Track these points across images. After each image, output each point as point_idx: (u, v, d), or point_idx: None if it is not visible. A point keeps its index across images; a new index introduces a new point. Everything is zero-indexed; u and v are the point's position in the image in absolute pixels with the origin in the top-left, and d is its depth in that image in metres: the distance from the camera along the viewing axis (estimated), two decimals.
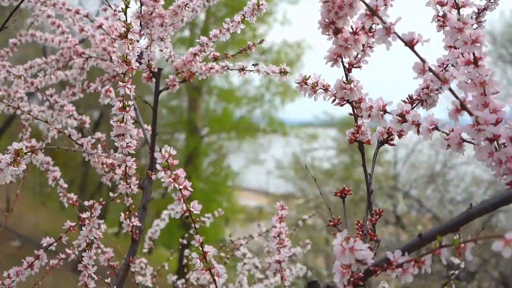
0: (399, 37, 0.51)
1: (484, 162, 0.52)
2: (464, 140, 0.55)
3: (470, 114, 0.52)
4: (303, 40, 11.12)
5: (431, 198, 6.28)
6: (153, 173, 0.98)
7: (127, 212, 0.96)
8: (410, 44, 0.51)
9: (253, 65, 0.98)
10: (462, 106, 0.52)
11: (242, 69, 0.95)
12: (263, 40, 1.01)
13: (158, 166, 0.62)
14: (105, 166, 1.02)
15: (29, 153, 0.67)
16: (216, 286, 0.65)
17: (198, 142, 11.19)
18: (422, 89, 0.69)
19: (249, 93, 12.45)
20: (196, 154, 11.08)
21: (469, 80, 0.56)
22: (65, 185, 1.11)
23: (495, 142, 0.52)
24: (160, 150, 0.62)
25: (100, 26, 1.07)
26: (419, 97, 0.69)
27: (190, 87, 11.21)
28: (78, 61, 1.22)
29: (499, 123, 0.54)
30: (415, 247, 0.53)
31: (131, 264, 1.00)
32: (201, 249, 0.65)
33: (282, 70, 0.88)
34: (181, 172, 0.64)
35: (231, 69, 0.97)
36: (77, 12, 1.10)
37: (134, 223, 0.97)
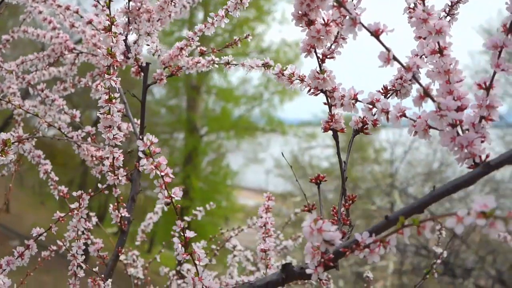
0: (364, 27, 0.53)
1: (448, 147, 0.55)
2: (430, 127, 0.57)
3: (433, 100, 0.54)
4: (301, 39, 11.13)
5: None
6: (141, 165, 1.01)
7: (116, 203, 0.98)
8: (375, 33, 0.53)
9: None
10: (425, 93, 0.54)
11: (227, 63, 0.97)
12: (249, 35, 1.04)
13: (140, 154, 0.64)
14: (94, 159, 1.04)
15: (16, 143, 0.70)
16: (197, 270, 0.67)
17: (197, 142, 11.22)
18: (396, 79, 0.72)
19: (248, 92, 12.48)
20: (195, 154, 11.11)
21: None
22: (56, 178, 1.13)
23: (458, 128, 0.55)
24: (142, 139, 0.64)
25: (90, 22, 1.10)
26: (393, 87, 0.72)
27: (188, 87, 11.24)
28: (69, 57, 1.24)
29: (463, 110, 0.56)
30: (382, 229, 0.55)
31: (120, 254, 1.02)
32: (182, 234, 0.68)
33: (265, 64, 0.90)
34: (162, 160, 0.66)
35: (217, 63, 0.99)
36: (67, 8, 1.13)
37: (123, 214, 0.99)
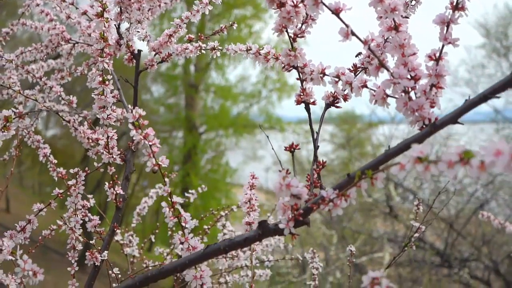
0: (326, 6, 0.60)
1: (401, 112, 0.62)
2: (387, 95, 0.64)
3: (388, 70, 0.61)
4: (302, 38, 11.18)
5: (424, 188, 6.38)
6: (134, 145, 1.08)
7: (111, 181, 1.05)
8: (336, 12, 0.60)
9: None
10: (381, 64, 0.61)
11: (213, 48, 1.04)
12: (234, 23, 1.10)
13: (129, 125, 0.71)
14: (90, 141, 1.11)
15: (17, 118, 0.76)
16: (184, 232, 0.74)
17: (196, 140, 11.28)
18: (365, 58, 0.78)
19: (246, 90, 12.54)
20: (194, 152, 11.18)
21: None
22: (55, 161, 1.20)
23: (412, 94, 0.62)
24: (132, 111, 0.71)
25: (84, 13, 1.16)
26: (362, 65, 0.78)
27: (187, 85, 11.31)
28: (66, 47, 1.31)
29: (417, 79, 0.63)
30: (345, 185, 0.62)
31: (115, 229, 1.09)
32: (170, 199, 0.74)
33: (248, 48, 0.97)
34: (150, 131, 0.73)
35: (204, 49, 1.06)
36: (63, 0, 1.19)
37: (118, 192, 1.06)
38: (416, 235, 1.17)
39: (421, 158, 0.47)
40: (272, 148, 0.97)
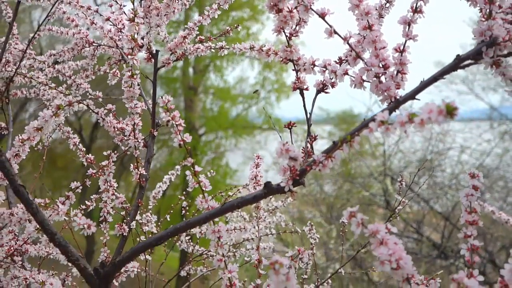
0: (314, 11, 0.78)
1: (374, 92, 0.79)
2: (363, 80, 0.82)
3: (362, 60, 0.79)
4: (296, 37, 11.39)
5: (420, 183, 6.56)
6: (155, 131, 1.25)
7: (136, 163, 1.23)
8: (322, 15, 0.78)
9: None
10: (357, 56, 0.79)
11: (221, 48, 1.22)
12: (238, 25, 1.28)
13: (160, 109, 0.89)
14: (116, 129, 1.29)
15: (67, 106, 0.94)
16: (204, 195, 0.91)
17: (196, 141, 11.44)
18: (347, 51, 0.96)
19: (245, 91, 12.72)
20: (194, 153, 11.33)
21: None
22: (84, 149, 1.37)
23: (381, 79, 0.79)
24: (162, 97, 0.88)
25: (107, 19, 1.34)
26: (346, 58, 0.96)
27: (186, 88, 11.48)
28: (89, 49, 1.48)
29: (387, 67, 0.81)
30: (331, 150, 0.79)
31: (140, 205, 1.26)
32: (193, 169, 0.92)
33: (252, 46, 1.14)
34: (177, 113, 0.90)
35: (213, 48, 1.24)
36: (88, 8, 1.37)
37: (141, 172, 1.23)
38: (400, 207, 1.34)
39: (383, 121, 0.65)
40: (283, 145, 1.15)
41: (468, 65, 0.72)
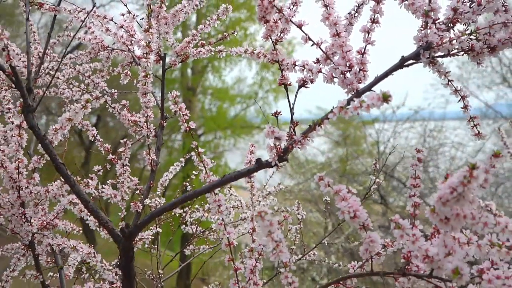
0: (292, 22, 0.99)
1: (341, 86, 1.01)
2: (333, 76, 1.03)
3: (331, 60, 1.00)
4: (293, 37, 11.64)
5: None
6: (164, 122, 1.46)
7: (148, 150, 1.44)
8: (299, 26, 0.99)
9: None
10: (327, 57, 1.00)
11: (220, 51, 1.43)
12: (234, 31, 1.50)
13: (169, 102, 1.10)
14: (130, 121, 1.50)
15: (95, 100, 1.15)
16: (206, 172, 1.12)
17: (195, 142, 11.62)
18: (321, 54, 1.17)
19: (243, 91, 12.93)
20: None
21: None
22: (101, 140, 1.58)
23: (346, 75, 1.00)
24: (170, 93, 1.10)
25: (121, 26, 1.55)
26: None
27: (184, 88, 11.69)
28: (104, 53, 1.69)
29: (351, 66, 1.02)
30: (307, 131, 1.00)
31: (151, 186, 1.47)
32: (197, 150, 1.13)
33: (245, 50, 1.35)
34: (183, 105, 1.11)
35: (213, 52, 1.45)
36: (104, 17, 1.58)
37: (153, 158, 1.44)
38: (375, 186, 1.55)
39: (342, 107, 0.86)
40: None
41: (410, 64, 0.93)
